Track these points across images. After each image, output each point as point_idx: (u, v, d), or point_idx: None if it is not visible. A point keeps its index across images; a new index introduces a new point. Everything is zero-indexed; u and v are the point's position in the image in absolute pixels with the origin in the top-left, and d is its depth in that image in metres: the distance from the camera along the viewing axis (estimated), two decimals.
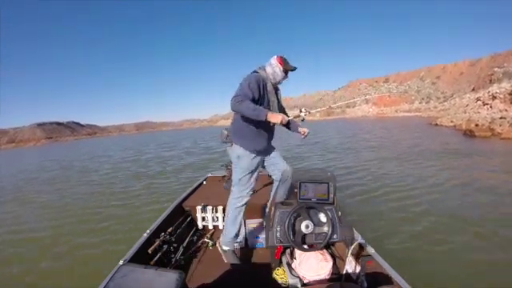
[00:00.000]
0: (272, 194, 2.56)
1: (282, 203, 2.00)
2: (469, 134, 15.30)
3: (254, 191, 3.32)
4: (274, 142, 2.40)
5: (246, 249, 2.69)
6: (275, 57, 2.16)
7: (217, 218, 3.03)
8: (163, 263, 2.28)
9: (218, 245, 2.47)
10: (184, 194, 3.32)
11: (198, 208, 2.97)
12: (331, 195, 1.98)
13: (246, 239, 2.73)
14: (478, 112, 24.58)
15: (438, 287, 2.79)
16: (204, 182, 3.96)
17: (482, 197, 5.15)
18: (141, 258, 1.98)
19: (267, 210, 2.85)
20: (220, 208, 3.00)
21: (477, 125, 16.29)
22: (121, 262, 1.75)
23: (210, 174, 4.30)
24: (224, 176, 4.00)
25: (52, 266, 3.60)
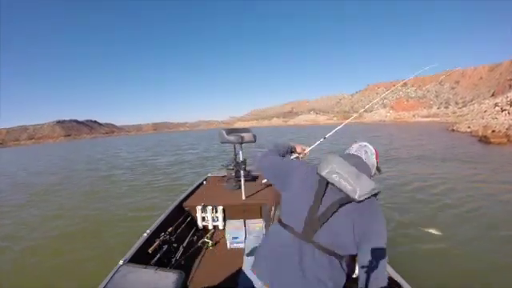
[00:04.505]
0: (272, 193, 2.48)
1: None
2: (484, 140, 14.89)
3: (254, 192, 3.30)
4: None
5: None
6: (372, 149, 1.27)
7: (217, 218, 2.98)
8: (163, 263, 2.27)
9: None
10: (184, 194, 3.27)
11: (198, 208, 2.94)
12: None
13: (246, 239, 2.72)
14: (496, 118, 23.71)
15: (438, 287, 2.78)
16: (204, 182, 3.91)
17: (492, 203, 5.15)
18: (141, 257, 1.99)
19: (267, 210, 2.85)
20: (220, 208, 2.97)
21: (493, 131, 15.78)
22: (121, 262, 1.75)
23: (210, 174, 4.26)
24: (224, 176, 3.90)
25: (51, 266, 3.60)
